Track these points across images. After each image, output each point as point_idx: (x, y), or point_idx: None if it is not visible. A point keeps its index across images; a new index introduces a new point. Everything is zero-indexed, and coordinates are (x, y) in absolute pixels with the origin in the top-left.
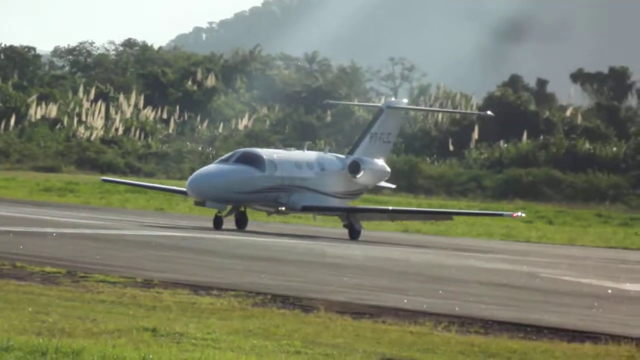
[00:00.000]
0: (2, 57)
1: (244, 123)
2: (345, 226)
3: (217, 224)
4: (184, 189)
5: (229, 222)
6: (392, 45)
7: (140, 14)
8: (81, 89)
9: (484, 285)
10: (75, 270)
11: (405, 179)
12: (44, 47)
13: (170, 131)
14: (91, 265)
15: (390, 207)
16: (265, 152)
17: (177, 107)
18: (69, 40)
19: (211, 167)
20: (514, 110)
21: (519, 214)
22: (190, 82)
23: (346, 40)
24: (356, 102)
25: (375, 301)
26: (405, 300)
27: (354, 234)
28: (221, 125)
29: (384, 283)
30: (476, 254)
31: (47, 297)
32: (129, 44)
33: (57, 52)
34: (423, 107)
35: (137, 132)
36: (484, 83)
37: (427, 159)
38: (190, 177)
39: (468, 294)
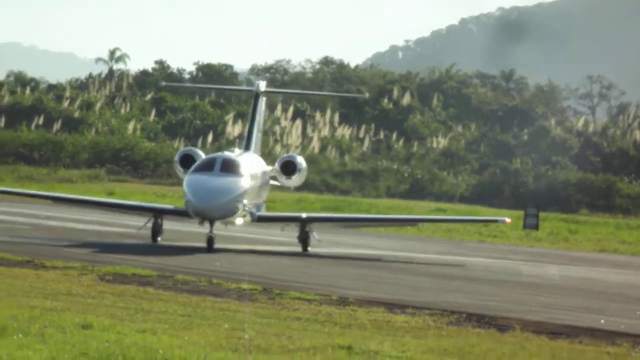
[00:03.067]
0: (201, 74)
1: (439, 141)
2: (300, 237)
3: (211, 243)
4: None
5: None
6: (590, 62)
7: (337, 33)
8: (279, 107)
9: None
10: (271, 288)
11: (603, 198)
12: (242, 65)
13: (365, 149)
14: (286, 282)
15: (346, 215)
16: (241, 159)
17: (373, 125)
18: (266, 58)
19: (211, 179)
20: None
21: (506, 219)
22: (386, 101)
23: (544, 58)
24: (227, 87)
25: (571, 321)
26: (602, 320)
27: (308, 245)
28: (416, 143)
29: (579, 302)
30: None
31: (243, 313)
32: (325, 62)
33: (254, 70)
34: (295, 91)
35: (333, 149)
36: None
37: (626, 178)
38: (199, 192)
39: None
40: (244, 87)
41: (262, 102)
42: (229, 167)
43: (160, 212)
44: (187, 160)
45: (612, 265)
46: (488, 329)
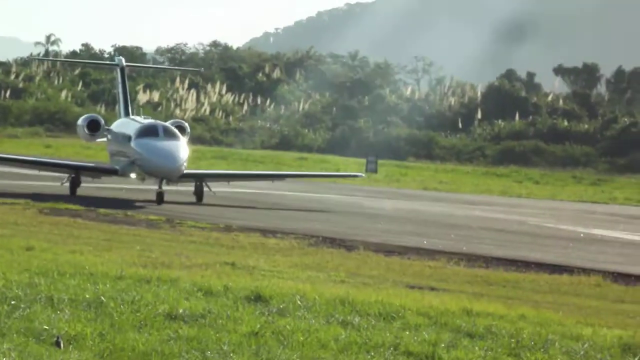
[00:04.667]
0: (117, 54)
1: (301, 106)
2: (195, 192)
3: (160, 198)
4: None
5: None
6: (417, 46)
7: (223, 22)
8: (177, 80)
9: (485, 230)
10: (173, 219)
11: (425, 149)
12: (149, 47)
13: (245, 112)
14: (184, 214)
15: (230, 171)
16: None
17: (251, 94)
18: (167, 41)
19: (165, 144)
20: (509, 96)
21: (362, 174)
22: (261, 74)
23: (381, 43)
24: (97, 62)
25: (402, 242)
26: (425, 242)
27: (202, 197)
28: (283, 107)
29: (409, 228)
30: (479, 206)
31: (151, 238)
32: (214, 44)
33: (158, 51)
34: (149, 65)
35: (220, 112)
36: (486, 75)
37: (442, 133)
38: (162, 155)
39: (473, 237)
40: (109, 62)
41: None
42: (171, 133)
43: (80, 169)
44: (93, 125)
45: (432, 200)
46: (339, 249)
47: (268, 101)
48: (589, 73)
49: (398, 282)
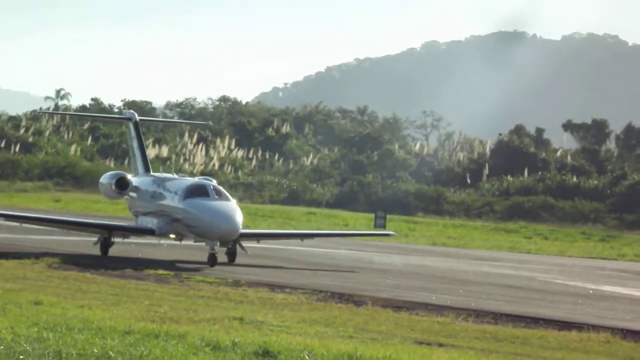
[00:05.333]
0: (126, 109)
1: (310, 160)
2: (229, 252)
3: (214, 260)
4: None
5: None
6: (425, 101)
7: (233, 77)
8: (186, 134)
9: (494, 286)
10: (181, 273)
11: (434, 204)
12: (159, 102)
13: (253, 166)
14: (193, 270)
15: (261, 231)
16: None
17: (260, 148)
18: (177, 96)
19: (220, 204)
20: (518, 151)
21: (392, 233)
22: (270, 129)
23: (390, 98)
24: (102, 115)
25: (411, 298)
26: (433, 297)
27: (235, 257)
28: (292, 162)
29: (418, 284)
30: (488, 262)
31: (160, 293)
32: (223, 99)
33: (168, 106)
34: (161, 119)
35: (229, 167)
36: (495, 130)
37: (451, 189)
38: (220, 217)
39: (482, 293)
40: (122, 117)
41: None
42: (220, 193)
43: (113, 229)
44: (122, 182)
45: (441, 255)
46: (347, 304)
47: (277, 156)
48: (598, 129)
49: (406, 338)
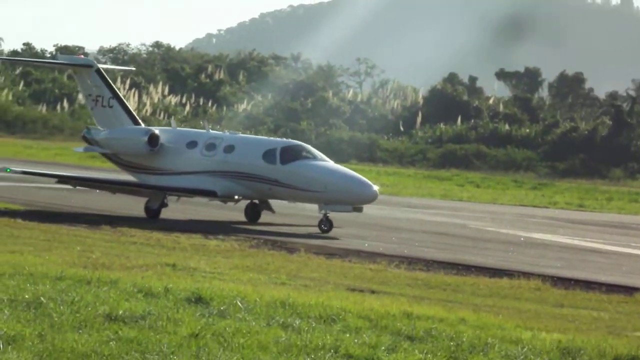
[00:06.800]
0: (58, 54)
1: (243, 107)
2: (252, 210)
3: (331, 224)
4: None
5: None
6: (359, 49)
7: (166, 23)
8: (119, 80)
9: (426, 234)
10: (111, 217)
11: (367, 152)
12: (91, 47)
13: (187, 113)
14: (122, 213)
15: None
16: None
17: (193, 95)
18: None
19: (338, 166)
20: (451, 99)
21: None
22: (203, 76)
23: (324, 45)
24: (59, 61)
25: (344, 245)
26: (366, 245)
27: (259, 217)
28: (226, 108)
29: (351, 231)
30: (421, 210)
31: (92, 239)
32: (156, 45)
33: (101, 51)
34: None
35: (162, 113)
36: (429, 79)
37: (384, 136)
38: (365, 185)
39: (414, 240)
40: (81, 62)
41: None
42: (321, 156)
43: (168, 190)
44: (154, 139)
45: (374, 203)
46: (280, 251)
47: (210, 102)
48: (530, 77)
49: (339, 285)
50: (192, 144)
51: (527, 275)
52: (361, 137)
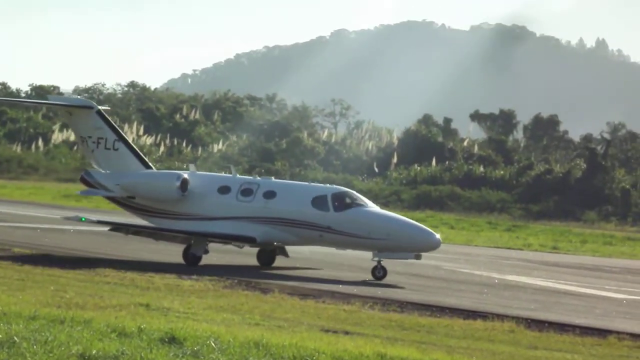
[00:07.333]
0: (34, 94)
1: (218, 147)
2: (265, 255)
3: (385, 271)
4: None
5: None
6: (333, 90)
7: (141, 63)
8: None
9: (400, 275)
10: (88, 258)
11: None
12: (67, 87)
13: (161, 153)
14: (99, 254)
15: None
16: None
17: (168, 135)
18: (85, 81)
19: (394, 214)
20: (426, 141)
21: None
22: (178, 116)
23: (299, 85)
24: (55, 102)
25: (317, 286)
26: (340, 286)
27: (273, 261)
28: (200, 149)
29: (325, 273)
30: None
31: (66, 278)
32: (132, 85)
33: (76, 91)
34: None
35: None
36: (404, 119)
37: (359, 177)
38: (428, 233)
39: (388, 281)
40: (81, 104)
41: None
42: (365, 201)
43: (210, 237)
44: (185, 184)
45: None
46: (254, 292)
47: (185, 142)
48: (505, 119)
49: (313, 326)
50: (224, 189)
51: (501, 317)
52: (336, 178)
